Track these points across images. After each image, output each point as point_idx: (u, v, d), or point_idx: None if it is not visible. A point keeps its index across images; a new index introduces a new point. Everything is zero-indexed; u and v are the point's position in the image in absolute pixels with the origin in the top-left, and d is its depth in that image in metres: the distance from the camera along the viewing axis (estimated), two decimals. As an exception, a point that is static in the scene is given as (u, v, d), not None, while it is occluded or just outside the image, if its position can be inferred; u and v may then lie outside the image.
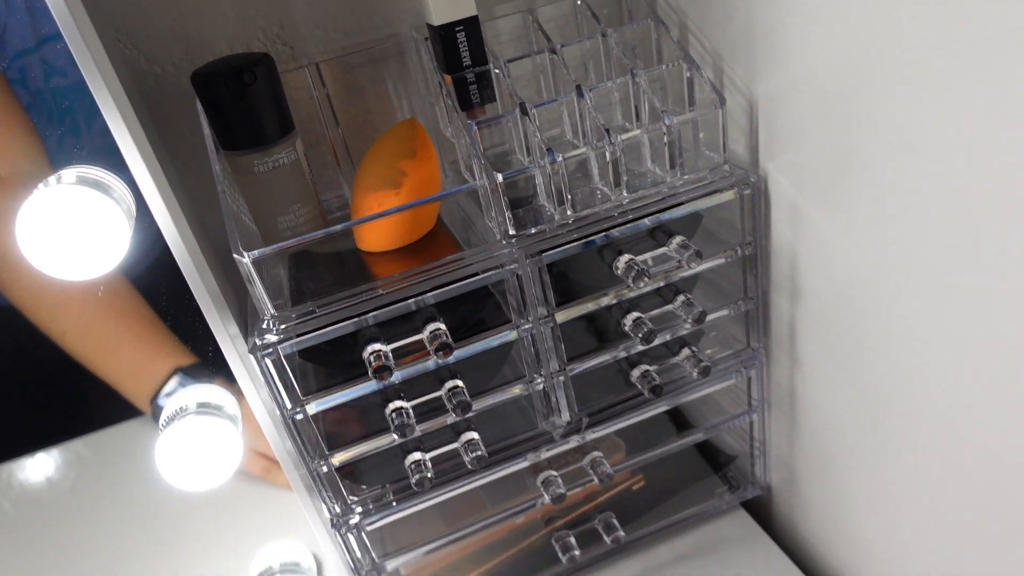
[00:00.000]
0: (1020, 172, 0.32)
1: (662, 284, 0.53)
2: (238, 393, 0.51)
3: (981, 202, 0.35)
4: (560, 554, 0.62)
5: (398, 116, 0.62)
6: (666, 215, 0.50)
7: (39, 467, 0.71)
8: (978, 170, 0.34)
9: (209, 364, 0.60)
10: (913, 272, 0.41)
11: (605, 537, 0.62)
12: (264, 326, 0.46)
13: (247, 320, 0.49)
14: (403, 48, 0.59)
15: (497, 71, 0.53)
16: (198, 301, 0.45)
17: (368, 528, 0.54)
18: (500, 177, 0.46)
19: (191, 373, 0.59)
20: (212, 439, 0.49)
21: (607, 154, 0.49)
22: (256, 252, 0.43)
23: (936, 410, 0.43)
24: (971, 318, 0.38)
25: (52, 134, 0.54)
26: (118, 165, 0.49)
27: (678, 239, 0.51)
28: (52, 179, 0.41)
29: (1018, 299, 0.35)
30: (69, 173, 0.42)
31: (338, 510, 0.53)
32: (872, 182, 0.42)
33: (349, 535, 0.54)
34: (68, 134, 0.54)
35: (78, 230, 0.39)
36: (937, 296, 0.40)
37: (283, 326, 0.46)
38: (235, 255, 0.43)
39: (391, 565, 0.58)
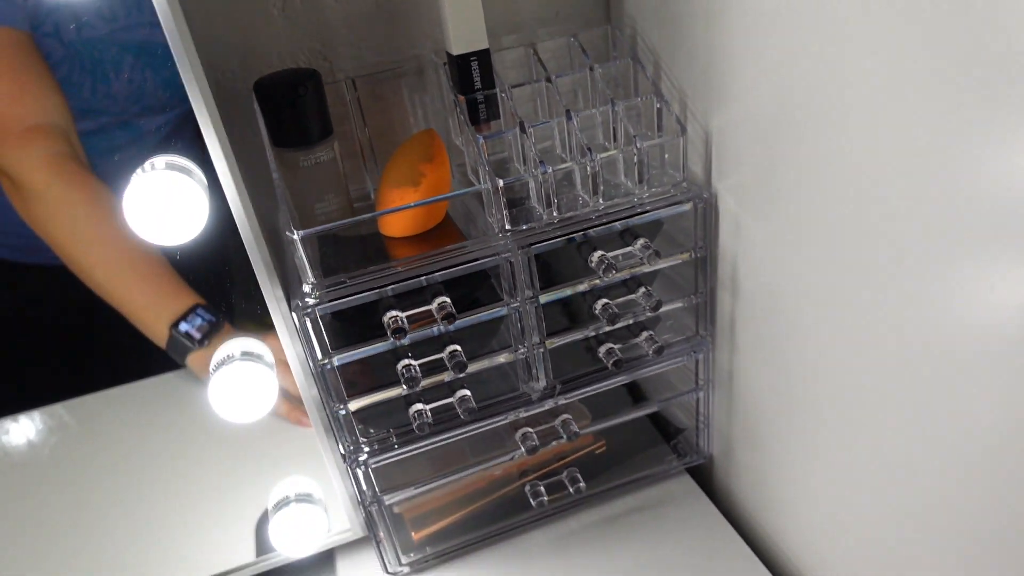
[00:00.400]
0: (899, 195, 0.44)
1: (628, 277, 0.65)
2: (272, 342, 0.62)
3: (874, 221, 0.46)
4: (531, 500, 0.73)
5: (416, 124, 0.73)
6: (633, 220, 0.62)
7: (88, 409, 0.81)
8: (872, 195, 0.46)
9: (219, 304, 0.68)
10: (822, 277, 0.53)
11: (569, 488, 0.73)
12: (305, 291, 0.57)
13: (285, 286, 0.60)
14: (424, 68, 0.70)
15: (502, 94, 0.64)
16: (254, 268, 0.56)
17: (374, 465, 0.65)
18: (501, 182, 0.58)
19: (208, 308, 0.67)
20: (254, 381, 0.60)
21: (588, 168, 0.60)
22: (304, 231, 0.54)
23: (839, 393, 0.55)
24: (867, 317, 0.49)
25: (85, 83, 0.61)
26: (145, 113, 0.57)
27: (642, 240, 0.62)
28: (147, 165, 0.52)
29: (901, 299, 0.47)
30: (159, 160, 0.53)
31: (351, 448, 0.65)
32: (791, 203, 0.54)
33: (358, 470, 0.65)
34: (100, 82, 0.61)
35: (172, 207, 0.49)
36: (840, 299, 0.52)
37: (319, 293, 0.57)
38: (287, 232, 0.54)
39: (388, 499, 0.69)
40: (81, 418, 0.83)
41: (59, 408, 0.83)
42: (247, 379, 0.60)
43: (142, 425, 0.82)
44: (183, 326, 0.66)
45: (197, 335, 0.65)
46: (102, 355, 0.81)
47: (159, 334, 0.67)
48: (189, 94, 0.48)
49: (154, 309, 0.67)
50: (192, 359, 0.66)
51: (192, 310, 0.66)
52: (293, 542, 0.70)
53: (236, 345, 0.62)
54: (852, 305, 0.50)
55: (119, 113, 0.62)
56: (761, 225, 0.58)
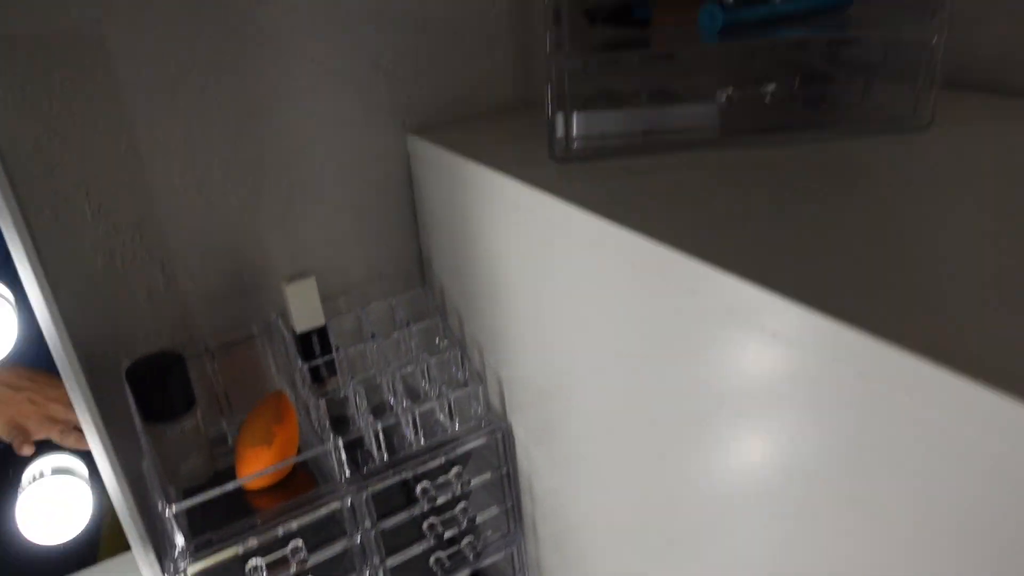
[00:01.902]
0: (630, 436, 0.63)
1: (451, 497, 0.81)
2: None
3: (612, 450, 0.65)
4: None
5: (270, 378, 0.86)
6: (451, 455, 0.78)
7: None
8: (608, 436, 0.65)
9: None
10: (588, 485, 0.71)
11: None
12: (177, 555, 0.68)
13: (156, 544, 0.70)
14: (274, 334, 0.85)
15: (338, 355, 0.80)
16: (128, 539, 0.66)
17: None
18: (340, 440, 0.73)
19: None
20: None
21: (410, 417, 0.77)
22: (177, 506, 0.66)
23: (622, 572, 0.72)
24: (626, 511, 0.68)
25: None
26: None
27: (455, 469, 0.79)
28: (35, 473, 0.62)
29: (645, 496, 0.65)
30: (46, 464, 0.63)
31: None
32: (558, 436, 0.72)
33: None
34: None
35: (63, 512, 0.60)
36: (604, 503, 0.70)
37: (189, 557, 0.68)
38: (164, 508, 0.66)
39: None
40: None
41: None
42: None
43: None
44: None
45: None
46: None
47: None
48: (60, 368, 0.59)
49: None
50: None
51: None
52: None
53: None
54: (615, 508, 0.68)
55: None
56: (541, 451, 0.76)
